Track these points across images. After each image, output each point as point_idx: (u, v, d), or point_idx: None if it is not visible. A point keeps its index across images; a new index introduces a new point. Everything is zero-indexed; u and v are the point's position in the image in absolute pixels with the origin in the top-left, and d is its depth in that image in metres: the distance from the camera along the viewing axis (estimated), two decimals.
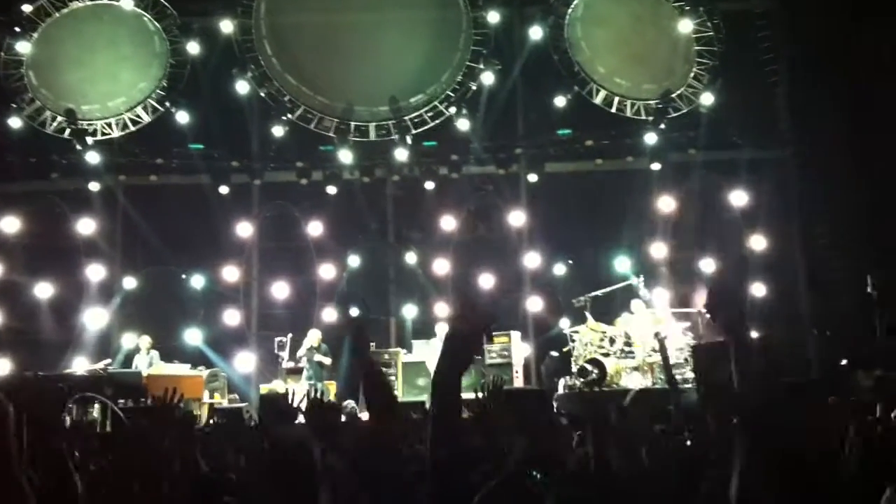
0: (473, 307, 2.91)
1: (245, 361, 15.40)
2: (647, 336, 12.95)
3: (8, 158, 15.68)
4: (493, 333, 14.57)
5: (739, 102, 15.89)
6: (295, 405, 4.66)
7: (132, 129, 16.07)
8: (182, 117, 15.98)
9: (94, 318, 15.44)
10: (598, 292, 14.05)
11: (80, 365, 13.99)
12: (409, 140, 16.34)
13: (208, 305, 15.84)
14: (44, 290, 15.47)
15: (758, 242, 15.65)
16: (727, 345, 2.79)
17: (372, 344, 14.18)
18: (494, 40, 16.39)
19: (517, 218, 16.47)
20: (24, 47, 15.70)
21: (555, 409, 11.77)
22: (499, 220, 16.65)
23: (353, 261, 16.23)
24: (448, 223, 16.35)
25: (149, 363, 13.69)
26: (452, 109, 16.32)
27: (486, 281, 16.12)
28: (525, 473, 3.72)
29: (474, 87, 16.38)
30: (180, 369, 13.83)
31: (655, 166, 16.09)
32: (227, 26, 16.02)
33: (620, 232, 15.64)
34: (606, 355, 13.12)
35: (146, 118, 16.07)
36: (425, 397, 11.53)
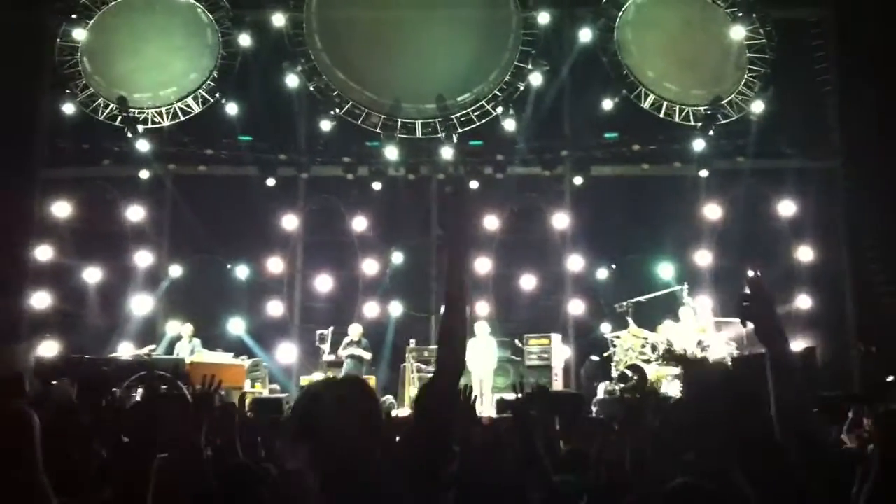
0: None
1: (286, 353, 15.55)
2: (689, 344, 12.89)
3: (61, 144, 15.94)
4: (533, 336, 14.62)
5: (790, 111, 15.74)
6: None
7: (182, 118, 16.23)
8: (231, 109, 16.12)
9: (141, 305, 15.67)
10: (641, 298, 14.00)
11: (125, 350, 14.19)
12: (454, 139, 16.35)
13: (252, 296, 15.99)
14: (92, 275, 15.71)
15: (804, 254, 15.51)
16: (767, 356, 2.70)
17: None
18: (544, 41, 16.36)
19: (561, 220, 16.45)
20: (79, 34, 15.95)
21: (592, 413, 11.77)
22: (541, 221, 16.64)
23: (397, 257, 16.32)
24: (491, 223, 16.37)
25: (191, 351, 13.85)
26: (499, 109, 16.32)
27: (528, 282, 16.14)
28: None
29: (522, 88, 16.37)
30: (223, 358, 13.98)
31: (703, 173, 15.99)
32: (278, 20, 16.15)
33: (665, 238, 15.57)
34: (648, 362, 13.07)
35: (196, 108, 16.23)
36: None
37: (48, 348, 14.35)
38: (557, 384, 14.24)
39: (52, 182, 16.06)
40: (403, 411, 13.31)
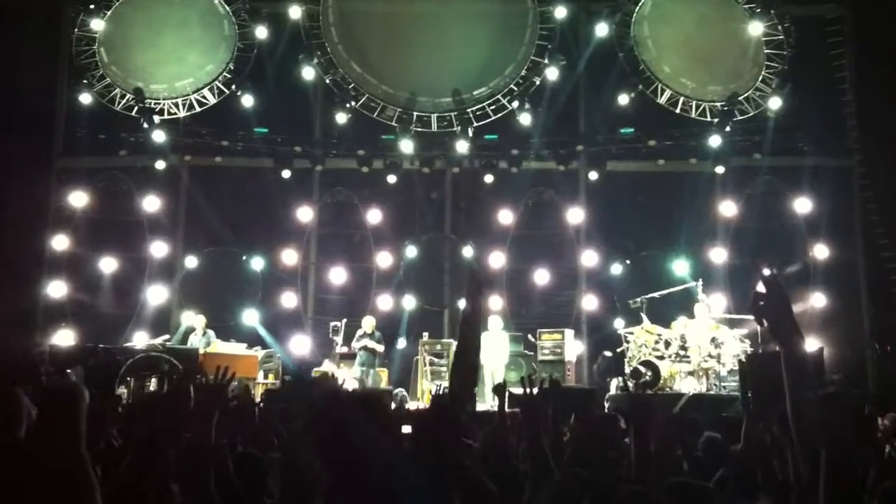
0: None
1: (300, 344, 15.59)
2: (703, 341, 12.85)
3: (78, 134, 16.01)
4: (546, 330, 14.62)
5: (807, 108, 15.66)
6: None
7: (198, 110, 16.28)
8: (247, 101, 16.16)
9: (155, 295, 15.75)
10: (656, 294, 13.96)
11: (139, 340, 14.26)
12: (470, 132, 16.34)
13: (266, 287, 16.05)
14: (108, 265, 15.79)
15: (820, 251, 15.44)
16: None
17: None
18: (560, 36, 16.34)
19: (575, 215, 16.42)
20: (97, 24, 16.01)
21: (605, 409, 11.74)
22: (555, 216, 16.62)
23: (411, 251, 16.35)
24: (505, 217, 16.37)
25: (206, 343, 13.90)
26: (515, 104, 16.29)
27: (541, 277, 16.13)
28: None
29: (538, 82, 16.35)
30: (236, 349, 14.02)
31: (719, 169, 15.93)
32: (295, 12, 16.18)
33: (680, 235, 15.53)
34: (661, 358, 13.03)
35: (212, 100, 16.28)
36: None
37: (63, 337, 14.43)
38: (570, 379, 14.22)
39: (69, 172, 16.14)
40: (415, 404, 13.37)
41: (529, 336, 14.62)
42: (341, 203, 16.70)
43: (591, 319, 15.88)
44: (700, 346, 12.84)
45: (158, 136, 15.82)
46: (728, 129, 15.75)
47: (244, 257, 16.12)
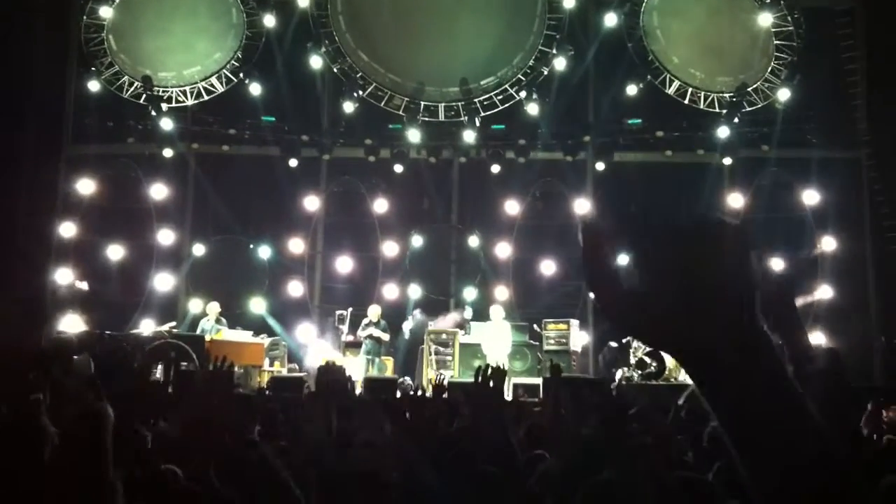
0: None
1: (306, 333, 15.63)
2: None
3: (86, 121, 16.05)
4: (552, 321, 14.60)
5: (816, 100, 15.60)
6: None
7: (206, 98, 16.31)
8: (255, 89, 16.17)
9: (163, 282, 15.81)
10: None
11: (146, 327, 14.32)
12: (477, 122, 16.33)
13: (273, 276, 16.09)
14: (115, 252, 15.85)
15: (828, 243, 15.39)
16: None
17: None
18: (568, 26, 16.28)
19: (582, 206, 16.40)
20: (105, 12, 16.03)
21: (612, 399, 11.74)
22: (562, 206, 16.61)
23: (417, 240, 16.37)
24: (511, 207, 16.36)
25: (216, 330, 13.94)
26: (523, 94, 16.28)
27: (547, 267, 16.13)
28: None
29: (546, 72, 16.31)
30: (242, 336, 14.08)
31: (727, 161, 15.90)
32: (303, 0, 16.16)
33: None
34: None
35: (220, 88, 16.30)
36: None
37: (71, 324, 14.49)
38: (576, 370, 14.22)
39: (77, 159, 16.18)
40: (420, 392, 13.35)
41: (535, 326, 14.61)
42: (348, 192, 16.71)
43: (597, 309, 15.80)
44: None
45: (166, 124, 15.86)
46: (736, 120, 15.71)
47: (251, 245, 16.16)
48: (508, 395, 12.27)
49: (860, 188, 15.78)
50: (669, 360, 12.73)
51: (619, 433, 4.28)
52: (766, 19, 15.82)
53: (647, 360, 12.93)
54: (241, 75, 16.23)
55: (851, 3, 16.12)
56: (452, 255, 16.68)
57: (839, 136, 15.93)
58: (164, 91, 16.07)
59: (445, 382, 9.98)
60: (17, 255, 14.03)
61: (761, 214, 15.59)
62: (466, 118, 16.29)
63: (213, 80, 16.26)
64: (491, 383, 3.94)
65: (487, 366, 4.10)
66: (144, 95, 15.87)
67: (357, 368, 13.37)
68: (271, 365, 14.05)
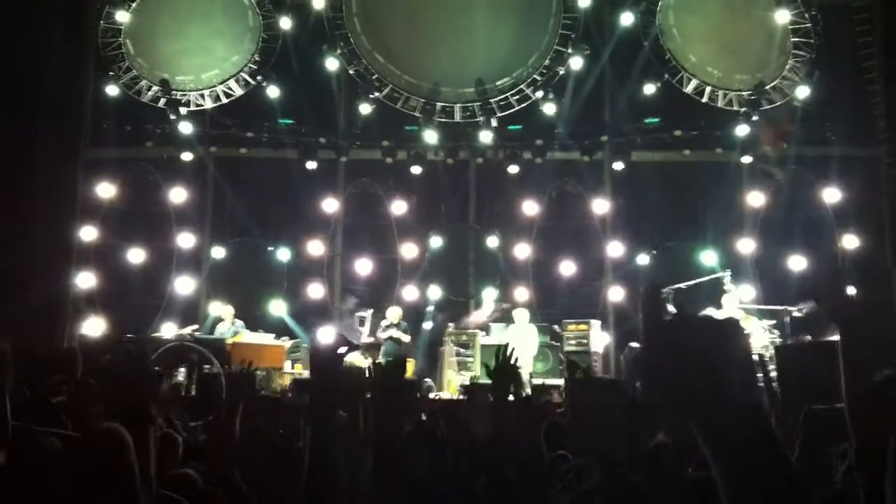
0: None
1: (326, 334, 15.62)
2: None
3: (104, 125, 16.08)
4: (572, 321, 14.58)
5: (835, 97, 15.54)
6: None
7: (224, 101, 16.34)
8: (272, 92, 16.20)
9: (183, 286, 15.84)
10: (682, 285, 13.88)
11: (167, 330, 14.35)
12: (493, 123, 16.31)
13: (292, 278, 16.11)
14: (136, 256, 15.89)
15: (849, 242, 15.33)
16: (818, 345, 2.55)
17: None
18: (584, 25, 16.26)
19: (601, 206, 16.38)
20: (122, 16, 16.08)
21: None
22: (580, 206, 16.60)
23: (435, 241, 16.37)
24: (530, 208, 16.36)
25: (233, 332, 13.99)
26: (539, 94, 16.25)
27: (567, 268, 16.11)
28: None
29: (562, 72, 16.29)
30: (264, 339, 14.11)
31: (746, 159, 15.85)
32: (318, 2, 16.18)
33: (707, 225, 15.47)
34: None
35: (238, 91, 16.33)
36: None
37: (92, 328, 14.54)
38: (597, 370, 14.20)
39: (96, 163, 16.18)
40: (441, 394, 13.38)
41: (555, 327, 14.60)
42: (366, 194, 16.73)
43: (617, 310, 15.84)
44: None
45: (185, 128, 15.89)
46: (755, 118, 15.65)
47: (270, 248, 16.19)
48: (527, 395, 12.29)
49: (881, 185, 15.70)
50: None
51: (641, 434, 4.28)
52: (783, 16, 15.77)
53: None
54: (259, 78, 16.25)
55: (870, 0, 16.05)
56: (471, 256, 16.67)
57: (858, 134, 15.86)
58: (182, 95, 16.11)
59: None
60: (37, 258, 14.07)
61: (781, 213, 15.53)
62: (483, 119, 16.27)
63: (231, 83, 16.29)
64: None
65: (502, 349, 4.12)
66: (163, 99, 15.91)
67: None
68: (292, 367, 14.06)
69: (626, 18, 16.13)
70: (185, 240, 16.10)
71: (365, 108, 16.28)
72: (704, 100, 15.98)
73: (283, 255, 16.14)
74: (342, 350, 2.71)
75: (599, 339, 14.63)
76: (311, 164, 16.35)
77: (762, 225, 15.72)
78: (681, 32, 16.17)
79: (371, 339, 14.53)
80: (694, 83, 15.98)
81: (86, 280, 15.38)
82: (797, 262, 15.20)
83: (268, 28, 16.35)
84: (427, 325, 15.24)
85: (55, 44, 14.94)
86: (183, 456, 4.27)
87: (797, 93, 15.61)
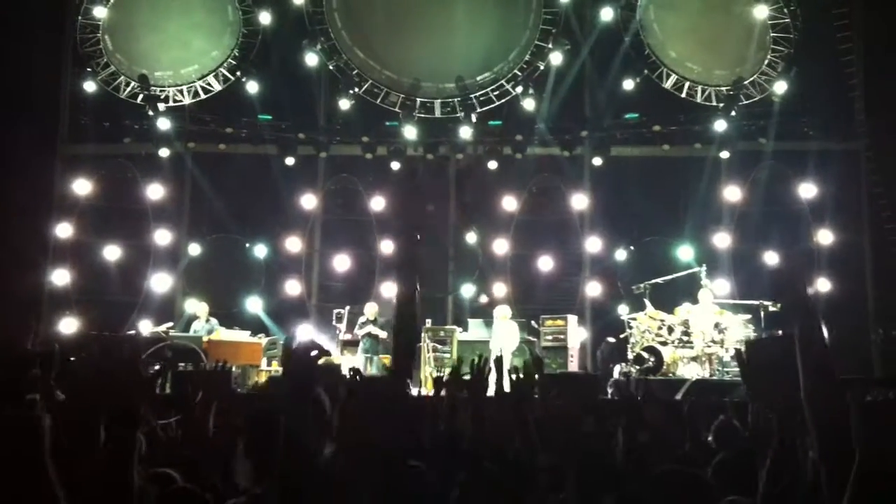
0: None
1: (304, 331, 15.60)
2: (707, 326, 12.79)
3: (82, 121, 16.05)
4: (549, 316, 14.57)
5: (813, 92, 15.54)
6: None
7: (203, 97, 16.31)
8: (252, 87, 16.16)
9: (160, 282, 15.80)
10: (659, 280, 13.89)
11: (143, 327, 14.32)
12: (474, 118, 16.29)
13: (270, 275, 16.08)
14: (112, 252, 15.85)
15: (825, 236, 15.34)
16: (787, 338, 2.60)
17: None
18: (564, 20, 16.22)
19: (580, 201, 16.37)
20: (100, 12, 16.01)
21: (608, 395, 11.72)
22: (560, 202, 16.59)
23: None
24: (509, 203, 16.34)
25: (209, 330, 13.94)
26: (519, 89, 16.25)
27: (545, 263, 16.11)
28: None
29: (542, 67, 16.26)
30: (240, 336, 14.07)
31: (724, 154, 15.85)
32: None
33: (685, 220, 15.48)
34: (664, 344, 12.97)
35: (217, 87, 16.30)
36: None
37: (68, 325, 14.50)
38: (573, 365, 14.19)
39: (73, 159, 16.19)
40: (419, 390, 13.34)
41: (533, 322, 14.59)
42: (345, 190, 16.70)
43: (594, 305, 15.85)
44: (703, 331, 12.77)
45: (163, 124, 15.85)
46: (733, 113, 15.65)
47: (248, 244, 16.16)
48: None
49: (858, 180, 15.71)
50: (667, 356, 12.69)
51: (614, 430, 4.26)
52: (762, 12, 15.74)
53: (645, 355, 12.87)
54: (238, 73, 16.21)
55: None
56: (450, 251, 16.65)
57: (837, 128, 15.86)
58: (160, 90, 16.06)
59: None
60: (13, 255, 14.03)
61: (758, 207, 15.55)
62: (463, 114, 16.25)
63: (211, 78, 16.26)
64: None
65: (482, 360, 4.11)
66: (141, 95, 15.86)
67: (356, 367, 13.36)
68: (269, 364, 14.03)
69: (607, 14, 16.10)
70: (162, 236, 16.07)
71: (345, 104, 16.26)
72: (683, 95, 16.00)
73: (261, 251, 16.12)
74: (314, 353, 2.78)
75: (576, 334, 14.61)
76: (291, 160, 16.31)
77: (739, 220, 15.73)
78: (661, 28, 16.16)
79: (349, 336, 14.50)
80: (673, 78, 15.98)
81: (62, 277, 15.35)
82: (772, 257, 15.21)
83: (247, 23, 16.31)
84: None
85: (33, 40, 14.89)
86: (151, 453, 4.25)
87: (775, 88, 15.60)
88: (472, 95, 16.29)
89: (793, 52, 15.64)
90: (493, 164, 16.45)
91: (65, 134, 16.18)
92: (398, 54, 16.57)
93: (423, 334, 14.47)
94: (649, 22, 16.13)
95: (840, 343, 13.56)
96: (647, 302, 13.51)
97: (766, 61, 15.83)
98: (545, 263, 16.12)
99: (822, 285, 14.96)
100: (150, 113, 15.78)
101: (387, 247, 16.33)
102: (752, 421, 5.08)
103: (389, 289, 15.96)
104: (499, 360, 4.63)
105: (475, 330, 14.55)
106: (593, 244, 16.16)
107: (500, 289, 15.77)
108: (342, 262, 16.30)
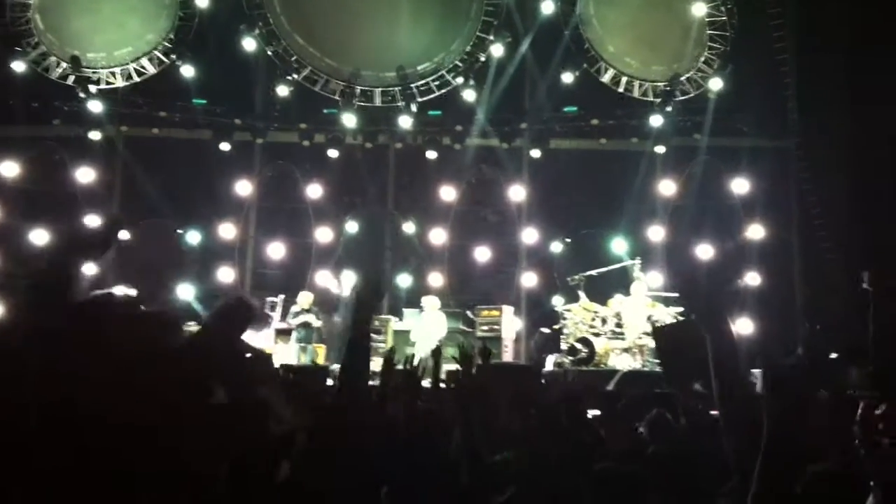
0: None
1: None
2: (639, 318, 12.92)
3: (10, 102, 15.56)
4: (485, 307, 14.58)
5: (748, 89, 15.78)
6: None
7: (136, 79, 15.98)
8: (187, 71, 15.85)
9: (88, 269, 15.40)
10: (594, 272, 13.98)
11: None
12: (413, 108, 16.23)
13: (203, 262, 15.83)
14: (40, 237, 15.43)
15: (756, 231, 15.62)
16: (690, 326, 2.68)
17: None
18: (506, 12, 16.22)
19: (517, 193, 16.43)
20: None
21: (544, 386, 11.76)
22: (498, 193, 16.63)
23: (351, 226, 16.24)
24: (447, 193, 16.32)
25: None
26: (459, 80, 16.23)
27: (482, 254, 16.14)
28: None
29: (483, 59, 16.26)
30: None
31: (659, 149, 16.03)
32: None
33: (620, 213, 15.63)
34: (597, 335, 13.09)
35: (151, 70, 15.98)
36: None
37: None
38: (507, 356, 14.24)
39: (0, 141, 15.71)
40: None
41: (468, 312, 14.60)
42: (282, 177, 16.51)
43: (530, 296, 15.93)
44: (635, 323, 12.91)
45: (95, 106, 15.49)
46: (669, 109, 15.84)
47: (180, 231, 15.88)
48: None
49: (788, 176, 16.02)
50: (599, 347, 12.79)
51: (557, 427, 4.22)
52: (700, 9, 15.91)
53: (578, 346, 12.96)
54: (173, 57, 15.90)
55: None
56: (387, 241, 16.58)
57: (770, 126, 16.15)
58: (93, 72, 15.69)
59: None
60: None
61: (691, 202, 15.77)
62: (403, 103, 16.18)
63: (144, 61, 15.93)
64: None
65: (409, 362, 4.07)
66: (72, 77, 15.47)
67: (288, 356, 13.24)
68: None
69: (548, 7, 16.12)
70: (92, 221, 15.66)
71: (283, 90, 16.06)
72: (621, 90, 16.13)
73: (193, 237, 15.85)
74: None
75: (511, 324, 14.66)
76: (226, 146, 16.07)
77: (673, 214, 15.94)
78: (600, 22, 16.24)
79: (282, 325, 14.34)
80: (611, 73, 16.11)
81: None
82: (705, 251, 15.45)
83: (184, 6, 15.98)
84: (338, 318, 15.09)
85: None
86: None
87: (711, 84, 15.81)
88: (413, 85, 16.22)
89: (729, 50, 15.85)
90: (432, 154, 16.40)
91: None
92: (339, 42, 16.39)
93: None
94: (589, 16, 16.21)
95: (767, 336, 13.87)
96: (581, 294, 13.60)
97: (703, 58, 16.02)
98: (482, 254, 16.15)
99: (753, 279, 15.23)
100: (82, 95, 15.40)
101: (323, 235, 16.17)
102: (683, 414, 5.12)
103: (324, 277, 15.83)
104: (436, 351, 4.60)
105: (410, 320, 14.50)
106: (530, 235, 16.23)
107: (436, 279, 15.73)
108: (277, 251, 16.13)
